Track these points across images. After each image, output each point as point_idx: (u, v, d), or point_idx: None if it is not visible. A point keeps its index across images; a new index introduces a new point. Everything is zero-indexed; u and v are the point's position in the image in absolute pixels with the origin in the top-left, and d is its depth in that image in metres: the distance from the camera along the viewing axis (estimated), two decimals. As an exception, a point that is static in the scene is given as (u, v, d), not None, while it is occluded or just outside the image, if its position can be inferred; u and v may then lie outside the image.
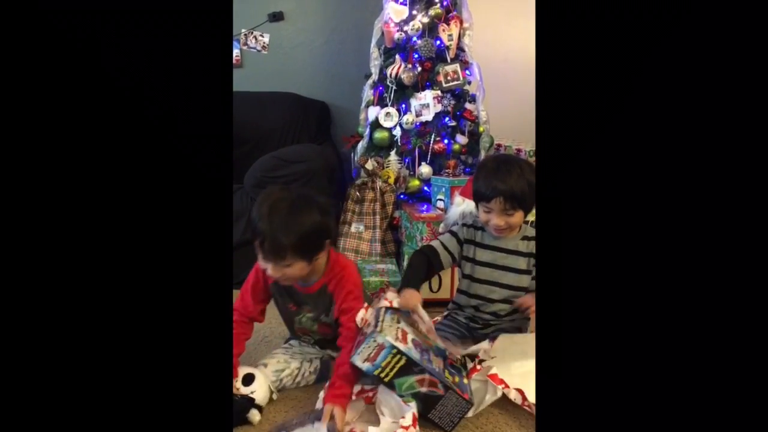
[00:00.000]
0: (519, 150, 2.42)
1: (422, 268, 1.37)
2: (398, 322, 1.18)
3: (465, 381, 1.18)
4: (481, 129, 2.31)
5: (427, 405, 1.10)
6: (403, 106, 2.26)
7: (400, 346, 1.08)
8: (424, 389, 1.10)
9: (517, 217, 1.29)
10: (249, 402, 1.15)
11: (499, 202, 1.27)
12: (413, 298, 1.26)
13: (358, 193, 2.21)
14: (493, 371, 1.16)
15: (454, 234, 1.41)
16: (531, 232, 1.38)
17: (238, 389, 1.15)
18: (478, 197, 1.32)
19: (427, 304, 1.83)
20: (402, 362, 1.08)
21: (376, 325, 1.11)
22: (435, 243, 1.42)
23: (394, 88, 2.26)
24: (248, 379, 1.18)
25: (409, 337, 1.15)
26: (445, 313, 1.50)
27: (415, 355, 1.09)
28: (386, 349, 1.07)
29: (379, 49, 2.31)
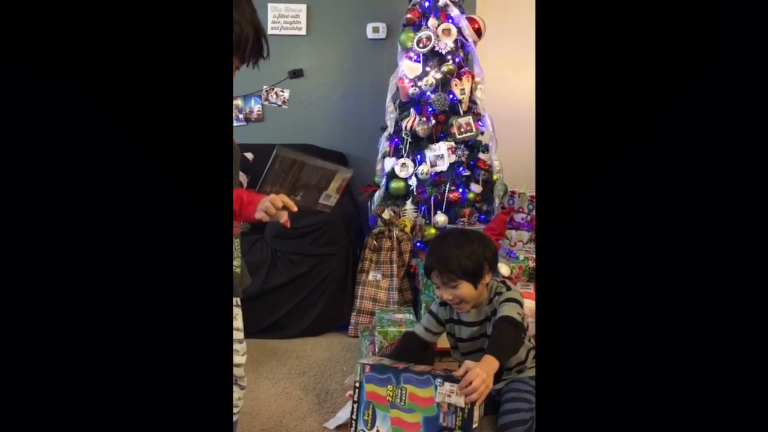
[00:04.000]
0: (533, 196, 2.46)
1: (407, 351, 1.39)
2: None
3: None
4: (494, 177, 2.37)
5: None
6: (418, 156, 2.34)
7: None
8: None
9: (464, 288, 1.25)
10: None
11: (436, 276, 1.27)
12: None
13: (375, 242, 2.26)
14: None
15: (432, 314, 1.41)
16: (498, 287, 1.32)
17: None
18: (425, 274, 1.33)
19: (446, 354, 1.84)
20: None
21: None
22: (416, 327, 1.43)
23: (409, 139, 2.34)
24: None
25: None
26: None
27: None
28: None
29: (394, 103, 2.42)
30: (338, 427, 1.49)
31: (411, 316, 1.90)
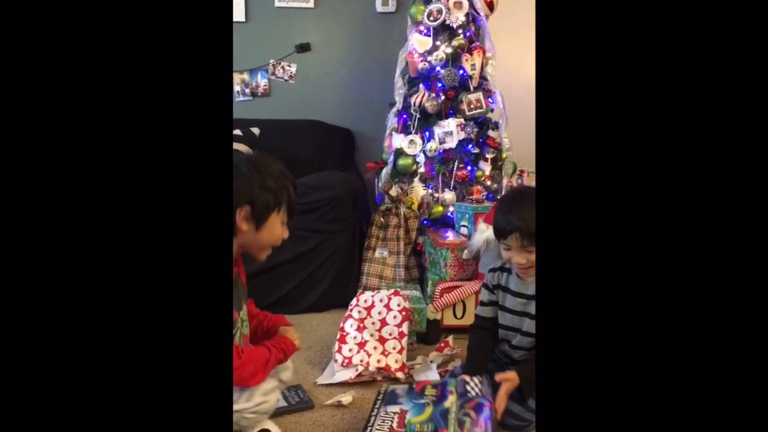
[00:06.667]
0: (542, 176, 2.43)
1: (485, 350, 1.33)
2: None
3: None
4: (504, 156, 2.34)
5: None
6: (427, 133, 2.31)
7: None
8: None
9: None
10: None
11: (516, 239, 1.18)
12: None
13: (382, 219, 2.24)
14: None
15: (486, 286, 1.37)
16: None
17: None
18: (497, 233, 1.23)
19: (452, 331, 1.84)
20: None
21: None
22: (479, 310, 1.37)
23: (418, 116, 2.30)
24: None
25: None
26: None
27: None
28: None
29: (403, 79, 2.37)
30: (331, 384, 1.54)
31: (417, 293, 1.89)
